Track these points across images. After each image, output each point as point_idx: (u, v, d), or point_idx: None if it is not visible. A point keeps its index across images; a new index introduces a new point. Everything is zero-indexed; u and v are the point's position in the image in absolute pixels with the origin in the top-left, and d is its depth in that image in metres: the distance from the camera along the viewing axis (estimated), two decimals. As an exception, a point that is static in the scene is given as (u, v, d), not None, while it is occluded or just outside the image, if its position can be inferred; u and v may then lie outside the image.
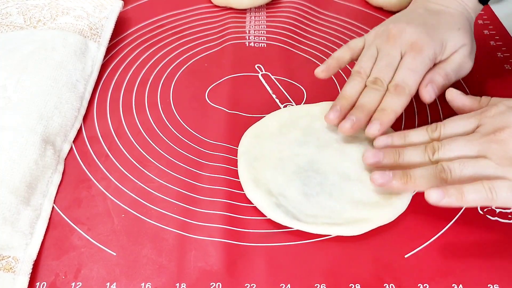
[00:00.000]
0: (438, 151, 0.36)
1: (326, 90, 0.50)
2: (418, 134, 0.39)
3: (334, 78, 0.52)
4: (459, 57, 0.43)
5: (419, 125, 0.40)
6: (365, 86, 0.42)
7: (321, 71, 0.44)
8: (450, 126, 0.38)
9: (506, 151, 0.34)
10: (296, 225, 0.37)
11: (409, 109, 0.44)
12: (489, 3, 0.63)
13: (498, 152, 0.34)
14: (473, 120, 0.37)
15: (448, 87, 0.42)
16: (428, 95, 0.41)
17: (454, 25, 0.43)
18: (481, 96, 0.40)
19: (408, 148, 0.38)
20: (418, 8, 0.46)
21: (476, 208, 0.39)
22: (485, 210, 0.39)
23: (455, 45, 0.43)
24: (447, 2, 0.46)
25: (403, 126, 0.46)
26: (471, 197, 0.33)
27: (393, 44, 0.42)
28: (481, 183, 0.34)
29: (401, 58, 0.42)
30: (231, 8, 0.61)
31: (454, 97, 0.41)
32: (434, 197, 0.34)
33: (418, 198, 0.40)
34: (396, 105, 0.40)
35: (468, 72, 0.44)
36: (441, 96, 0.42)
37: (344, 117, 0.41)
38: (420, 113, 0.47)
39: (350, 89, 0.42)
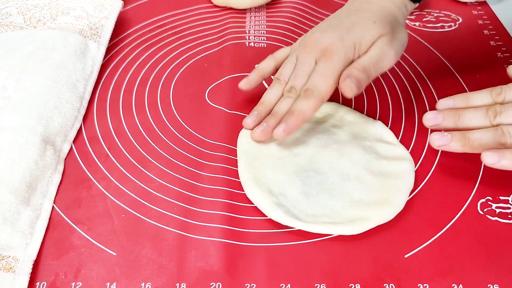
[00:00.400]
0: (500, 115, 0.37)
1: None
2: (481, 97, 0.39)
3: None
4: (376, 48, 0.42)
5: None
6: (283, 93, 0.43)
7: (243, 85, 0.46)
8: None
9: None
10: (296, 225, 0.37)
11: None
12: (489, 3, 0.63)
13: None
14: None
15: (369, 81, 0.41)
16: (347, 88, 0.40)
17: (369, 20, 0.43)
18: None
19: (469, 110, 0.39)
20: (343, 11, 0.46)
21: (476, 208, 0.39)
22: (485, 210, 0.39)
23: (371, 38, 0.42)
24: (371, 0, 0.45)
25: (403, 127, 0.46)
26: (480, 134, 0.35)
27: (309, 52, 0.43)
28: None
29: (316, 64, 0.43)
30: (231, 8, 0.61)
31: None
32: (490, 159, 0.35)
33: (419, 198, 0.40)
34: (303, 107, 0.41)
35: (393, 61, 0.43)
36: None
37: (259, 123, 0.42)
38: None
39: (269, 96, 0.44)
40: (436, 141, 0.38)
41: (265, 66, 0.47)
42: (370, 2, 0.45)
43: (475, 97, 0.40)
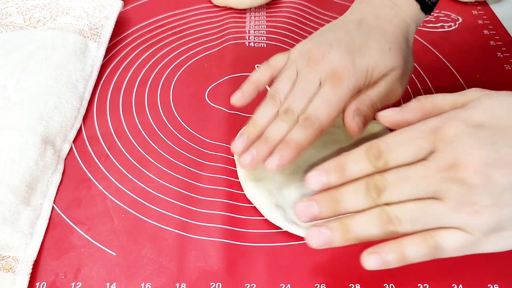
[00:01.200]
0: (385, 192, 0.29)
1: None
2: (358, 164, 0.31)
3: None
4: (387, 83, 0.39)
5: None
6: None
7: (237, 100, 0.40)
8: (397, 150, 0.30)
9: (468, 195, 0.27)
10: (293, 230, 0.37)
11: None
12: (489, 3, 0.63)
13: (457, 196, 0.27)
14: (425, 143, 0.29)
15: (373, 116, 0.38)
16: (356, 126, 0.37)
17: (384, 45, 0.39)
18: (416, 98, 0.33)
19: (347, 190, 0.30)
20: (350, 22, 0.41)
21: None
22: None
23: (383, 69, 0.38)
24: (383, 13, 0.41)
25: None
26: (414, 254, 0.29)
27: (313, 68, 0.38)
28: (424, 238, 0.28)
29: (320, 85, 0.38)
30: (231, 8, 0.61)
31: (393, 118, 0.33)
32: (373, 263, 0.29)
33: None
34: (301, 138, 0.36)
35: (399, 97, 0.41)
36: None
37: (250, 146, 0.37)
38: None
39: (260, 116, 0.38)
40: (314, 240, 0.30)
41: (260, 76, 0.41)
42: (384, 18, 0.41)
43: (351, 165, 0.31)
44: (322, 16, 0.61)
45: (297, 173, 0.40)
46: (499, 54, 0.55)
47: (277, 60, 0.41)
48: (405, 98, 0.50)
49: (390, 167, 0.30)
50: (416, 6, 0.41)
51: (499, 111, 0.29)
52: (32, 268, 0.34)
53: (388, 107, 0.36)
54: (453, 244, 0.28)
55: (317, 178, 0.31)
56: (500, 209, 0.27)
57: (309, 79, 0.38)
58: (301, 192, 0.39)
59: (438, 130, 0.29)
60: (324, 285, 0.34)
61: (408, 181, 0.29)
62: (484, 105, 0.29)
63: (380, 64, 0.38)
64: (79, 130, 0.45)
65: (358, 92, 0.38)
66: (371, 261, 0.29)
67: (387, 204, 0.29)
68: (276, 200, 0.38)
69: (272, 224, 0.38)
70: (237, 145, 0.37)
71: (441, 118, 0.29)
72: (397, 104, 0.37)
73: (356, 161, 0.31)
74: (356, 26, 0.40)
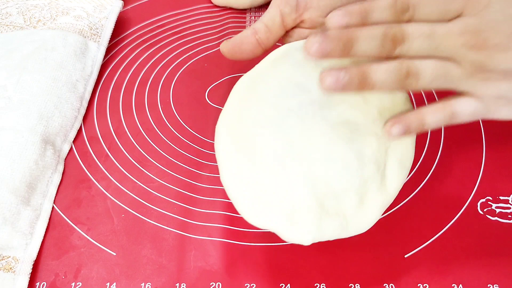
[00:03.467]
0: (403, 44, 0.28)
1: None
2: (384, 13, 0.29)
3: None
4: None
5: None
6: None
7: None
8: (424, 8, 0.29)
9: (483, 62, 0.28)
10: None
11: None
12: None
13: (473, 62, 0.28)
14: (456, 5, 0.28)
15: None
16: None
17: None
18: None
19: (364, 34, 0.28)
20: None
21: (476, 208, 0.39)
22: (485, 210, 0.39)
23: None
24: None
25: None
26: (432, 119, 0.30)
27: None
28: (442, 106, 0.30)
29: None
30: (231, 8, 0.61)
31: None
32: (397, 131, 0.29)
33: (419, 198, 0.40)
34: None
35: None
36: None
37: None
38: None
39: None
40: (327, 79, 0.28)
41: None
42: None
43: (375, 12, 0.29)
44: (322, 16, 0.61)
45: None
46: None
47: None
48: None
49: (415, 20, 0.29)
50: None
51: None
52: (32, 268, 0.34)
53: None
54: (466, 109, 0.30)
55: (339, 18, 0.29)
56: (510, 80, 0.28)
57: None
58: None
59: None
60: (324, 285, 0.34)
61: (429, 38, 0.28)
62: None
63: None
64: (79, 130, 0.45)
65: None
66: (396, 129, 0.29)
67: (400, 56, 0.29)
68: None
69: (272, 224, 0.38)
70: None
71: None
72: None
73: (383, 8, 0.29)
74: None
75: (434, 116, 0.30)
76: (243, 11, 0.61)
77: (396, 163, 0.30)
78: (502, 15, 0.27)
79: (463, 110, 0.30)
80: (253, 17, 0.61)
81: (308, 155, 0.28)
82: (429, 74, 0.29)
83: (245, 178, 0.29)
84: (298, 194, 0.28)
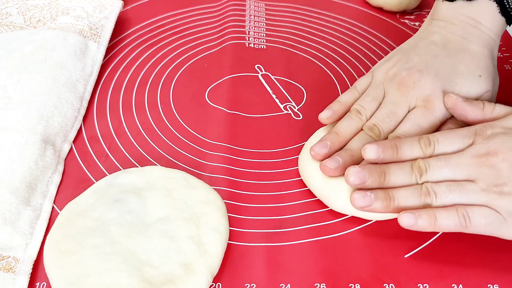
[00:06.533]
0: (427, 173, 0.34)
1: (326, 91, 0.50)
2: (411, 148, 0.36)
3: (335, 80, 0.52)
4: None
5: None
6: (361, 129, 0.40)
7: (326, 118, 0.41)
8: (444, 143, 0.35)
9: (496, 177, 0.33)
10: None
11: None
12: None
13: (487, 177, 0.33)
14: (468, 139, 0.35)
15: None
16: None
17: (474, 72, 0.40)
18: (482, 102, 0.38)
19: (395, 167, 0.35)
20: (433, 44, 0.41)
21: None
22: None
23: (475, 96, 0.40)
24: (467, 33, 0.41)
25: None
26: (445, 222, 0.33)
27: (403, 94, 0.39)
28: (455, 209, 0.33)
29: (408, 111, 0.39)
30: (231, 9, 0.61)
31: (456, 104, 0.38)
32: (406, 221, 0.33)
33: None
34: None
35: None
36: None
37: (331, 155, 0.38)
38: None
39: (344, 127, 0.40)
40: (359, 201, 0.35)
41: (348, 98, 0.42)
42: (469, 39, 0.41)
43: (405, 147, 0.36)
44: (322, 17, 0.61)
45: None
46: (499, 54, 0.55)
47: (362, 83, 0.43)
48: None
49: (436, 154, 0.35)
50: (501, 20, 0.41)
51: None
52: (32, 268, 0.34)
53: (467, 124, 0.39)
54: (481, 218, 0.32)
55: (375, 151, 0.36)
56: None
57: (398, 103, 0.39)
58: None
59: (479, 131, 0.35)
60: (324, 285, 0.34)
61: (447, 165, 0.34)
62: None
63: (472, 91, 0.39)
64: (79, 130, 0.45)
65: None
66: (405, 218, 0.33)
67: (425, 183, 0.34)
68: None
69: (272, 224, 0.38)
70: (317, 149, 0.39)
71: (485, 125, 0.35)
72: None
73: (410, 145, 0.36)
74: (442, 50, 0.41)
75: (448, 220, 0.33)
76: (243, 12, 0.61)
77: (211, 231, 0.35)
78: (505, 136, 0.34)
79: (477, 217, 0.32)
80: (252, 16, 0.61)
81: (132, 250, 0.34)
82: (444, 192, 0.33)
83: (75, 277, 0.32)
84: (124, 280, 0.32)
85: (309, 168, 0.40)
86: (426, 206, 0.34)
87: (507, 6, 0.40)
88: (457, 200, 0.33)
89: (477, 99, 0.40)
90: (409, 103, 0.39)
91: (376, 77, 0.42)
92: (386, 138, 0.39)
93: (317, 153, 0.39)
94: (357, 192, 0.35)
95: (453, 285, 0.35)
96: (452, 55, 0.40)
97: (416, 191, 0.34)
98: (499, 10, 0.40)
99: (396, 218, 0.37)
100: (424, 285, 0.35)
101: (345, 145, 0.39)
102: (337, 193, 0.38)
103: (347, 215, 0.39)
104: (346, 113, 0.41)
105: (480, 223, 0.32)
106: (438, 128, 0.40)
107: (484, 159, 0.33)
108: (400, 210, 0.34)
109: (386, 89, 0.41)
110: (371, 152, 0.36)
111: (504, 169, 0.33)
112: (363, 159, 0.37)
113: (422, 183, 0.34)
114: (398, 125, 0.39)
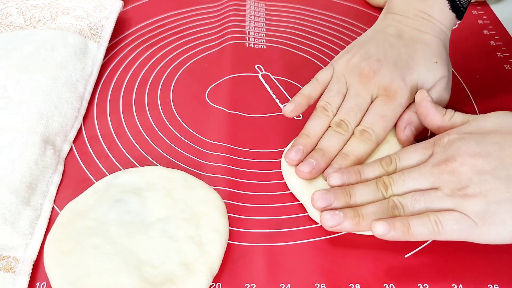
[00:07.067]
0: (392, 187, 0.35)
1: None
2: (373, 169, 0.37)
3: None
4: (436, 92, 0.41)
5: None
6: (330, 125, 0.40)
7: (290, 111, 0.41)
8: (404, 158, 0.37)
9: (458, 182, 0.33)
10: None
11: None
12: (489, 3, 0.63)
13: (449, 183, 0.33)
14: (427, 151, 0.36)
15: (423, 126, 0.40)
16: (406, 138, 0.40)
17: (430, 58, 0.41)
18: (445, 109, 0.38)
19: (360, 186, 0.36)
20: (390, 35, 0.43)
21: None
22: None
23: (433, 80, 0.41)
24: (421, 25, 0.43)
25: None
26: (418, 230, 0.33)
27: (365, 84, 0.40)
28: (427, 216, 0.33)
29: (372, 101, 0.40)
30: (232, 9, 0.61)
31: (423, 101, 0.39)
32: (380, 230, 0.33)
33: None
34: (360, 151, 0.39)
35: (445, 104, 0.43)
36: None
37: (304, 157, 0.39)
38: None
39: (313, 127, 0.40)
40: (328, 221, 0.35)
41: (311, 91, 0.42)
42: (423, 31, 0.42)
43: (366, 170, 0.37)
44: (321, 16, 0.61)
45: None
46: (499, 54, 0.55)
47: (324, 75, 0.43)
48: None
49: (400, 169, 0.36)
50: (451, 16, 0.43)
51: (485, 124, 0.35)
52: (32, 268, 0.34)
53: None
54: (453, 224, 0.32)
55: (338, 178, 0.37)
56: (486, 192, 0.32)
57: (361, 94, 0.40)
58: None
59: (437, 140, 0.36)
60: (324, 285, 0.34)
61: (409, 177, 0.35)
62: (475, 121, 0.36)
63: (428, 77, 0.41)
64: (79, 130, 0.45)
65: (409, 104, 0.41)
66: (379, 227, 0.33)
67: (392, 196, 0.35)
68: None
69: (272, 224, 0.38)
70: (292, 155, 0.39)
71: (443, 134, 0.36)
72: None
73: (372, 167, 0.37)
74: (398, 40, 0.42)
75: (421, 227, 0.33)
76: (243, 12, 0.61)
77: (211, 231, 0.35)
78: (461, 142, 0.34)
79: (449, 223, 0.32)
80: (252, 16, 0.61)
81: (132, 250, 0.34)
82: (410, 203, 0.34)
83: (75, 277, 0.33)
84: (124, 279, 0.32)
85: (288, 175, 0.40)
86: (394, 216, 0.34)
87: (458, 2, 0.42)
88: (424, 209, 0.33)
89: (433, 85, 0.41)
90: (371, 93, 0.40)
91: (336, 69, 0.43)
92: (353, 132, 0.40)
93: (292, 159, 0.39)
94: (326, 212, 0.35)
95: (453, 285, 0.35)
96: (409, 45, 0.42)
97: (383, 205, 0.34)
98: (449, 7, 0.42)
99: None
100: (424, 285, 0.35)
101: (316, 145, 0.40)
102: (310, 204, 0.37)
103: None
104: (308, 105, 0.42)
105: (452, 229, 0.32)
106: (401, 115, 0.40)
107: (444, 166, 0.34)
108: (369, 226, 0.34)
109: (348, 82, 0.41)
110: (335, 179, 0.37)
111: (464, 172, 0.33)
112: (335, 157, 0.39)
113: (389, 197, 0.35)
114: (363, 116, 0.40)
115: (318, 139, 0.40)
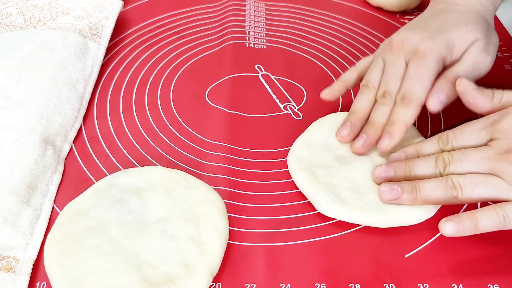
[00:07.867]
0: (449, 166, 0.36)
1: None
2: (430, 147, 0.38)
3: (335, 79, 0.52)
4: (472, 54, 0.41)
5: (432, 131, 0.40)
6: (376, 100, 0.42)
7: (326, 94, 0.44)
8: (461, 139, 0.37)
9: None
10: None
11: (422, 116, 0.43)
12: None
13: (511, 173, 0.33)
14: (485, 133, 0.36)
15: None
16: (434, 106, 0.39)
17: (460, 22, 0.41)
18: (492, 90, 0.38)
19: (419, 161, 0.37)
20: (425, 14, 0.45)
21: (476, 207, 0.39)
22: (485, 210, 0.39)
23: (464, 42, 0.41)
24: (461, 1, 0.44)
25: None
26: (486, 224, 0.33)
27: (397, 53, 0.41)
28: (494, 209, 0.33)
29: (407, 66, 0.41)
30: (232, 9, 0.61)
31: (466, 91, 0.38)
32: (450, 230, 0.34)
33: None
34: (404, 116, 0.39)
35: (489, 67, 0.42)
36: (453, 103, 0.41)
37: (357, 133, 0.41)
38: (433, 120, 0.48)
39: (359, 104, 0.42)
40: (386, 194, 0.36)
41: (349, 76, 0.45)
42: (457, 3, 0.43)
43: (424, 147, 0.39)
44: (322, 16, 0.61)
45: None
46: (499, 54, 0.55)
47: (364, 61, 0.45)
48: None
49: (456, 149, 0.36)
50: None
51: None
52: (32, 268, 0.34)
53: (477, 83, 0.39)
54: None
55: (396, 154, 0.39)
56: None
57: (395, 62, 0.41)
58: (353, 185, 0.39)
59: (495, 123, 0.36)
60: (324, 285, 0.34)
61: (470, 159, 0.35)
62: None
63: (459, 36, 0.41)
64: (79, 130, 0.45)
65: (444, 68, 0.41)
66: (448, 227, 0.34)
67: (449, 174, 0.35)
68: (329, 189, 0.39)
69: (272, 224, 0.38)
70: (343, 132, 0.41)
71: (499, 114, 0.36)
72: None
73: (428, 145, 0.38)
74: (431, 15, 0.44)
75: (489, 220, 0.33)
76: (243, 12, 0.61)
77: (211, 231, 0.35)
78: None
79: None
80: (252, 16, 0.61)
81: (132, 250, 0.34)
82: (469, 185, 0.34)
83: (75, 277, 0.33)
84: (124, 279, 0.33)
85: (295, 172, 0.40)
86: (452, 199, 0.35)
87: None
88: (484, 194, 0.34)
89: (467, 47, 0.41)
90: (405, 59, 0.41)
91: (376, 54, 0.45)
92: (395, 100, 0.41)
93: (343, 136, 0.41)
94: (385, 185, 0.37)
95: (453, 285, 0.35)
96: (440, 16, 0.43)
97: (442, 183, 0.35)
98: None
99: (393, 220, 0.38)
100: (424, 285, 0.35)
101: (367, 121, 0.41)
102: (323, 197, 0.38)
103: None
104: (345, 89, 0.44)
105: None
106: (440, 73, 0.40)
107: (507, 156, 0.34)
108: (426, 202, 0.36)
109: (383, 58, 0.43)
110: (396, 154, 0.39)
111: None
112: (387, 126, 0.40)
113: (447, 175, 0.35)
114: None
115: (366, 115, 0.41)
